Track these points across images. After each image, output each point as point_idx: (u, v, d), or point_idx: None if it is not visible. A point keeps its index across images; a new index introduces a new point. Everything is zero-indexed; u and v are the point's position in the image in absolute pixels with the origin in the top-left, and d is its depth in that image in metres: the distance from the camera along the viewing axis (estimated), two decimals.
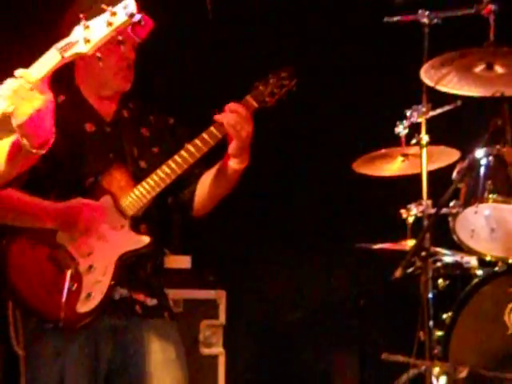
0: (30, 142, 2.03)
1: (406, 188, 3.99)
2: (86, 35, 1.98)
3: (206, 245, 4.43)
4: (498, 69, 3.55)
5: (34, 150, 2.05)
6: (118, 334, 2.62)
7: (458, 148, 3.80)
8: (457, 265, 3.80)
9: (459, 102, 3.68)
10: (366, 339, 4.51)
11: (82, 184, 2.65)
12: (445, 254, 3.82)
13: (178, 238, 4.31)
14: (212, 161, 2.82)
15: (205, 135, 2.65)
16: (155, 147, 2.80)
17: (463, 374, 3.11)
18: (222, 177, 2.76)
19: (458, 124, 4.07)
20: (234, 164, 2.70)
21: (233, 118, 2.60)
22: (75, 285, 2.55)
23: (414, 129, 3.80)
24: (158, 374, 2.60)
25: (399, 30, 3.77)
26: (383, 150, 3.89)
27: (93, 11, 2.48)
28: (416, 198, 3.79)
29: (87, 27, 1.98)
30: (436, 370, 3.25)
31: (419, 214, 3.77)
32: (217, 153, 2.77)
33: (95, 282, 2.58)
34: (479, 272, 3.68)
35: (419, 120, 3.76)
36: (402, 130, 3.85)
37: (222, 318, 4.08)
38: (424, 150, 3.70)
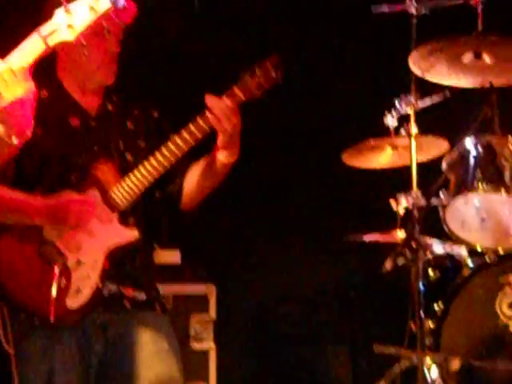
0: (7, 130, 2.00)
1: (395, 179, 3.97)
2: (69, 21, 1.94)
3: (195, 239, 4.40)
4: (487, 58, 3.54)
5: (8, 139, 2.01)
6: (108, 330, 2.60)
7: (448, 138, 3.79)
8: (447, 255, 3.80)
9: (448, 93, 3.66)
10: (356, 331, 4.50)
11: (68, 178, 2.62)
12: (435, 245, 3.81)
13: (167, 232, 4.28)
14: (200, 152, 2.79)
15: (192, 127, 2.62)
16: (141, 140, 2.77)
17: (455, 364, 3.11)
18: (210, 170, 2.73)
19: (447, 114, 4.05)
20: (223, 158, 2.67)
21: (217, 111, 2.56)
22: (64, 280, 2.52)
23: (403, 119, 3.79)
24: (149, 365, 2.57)
25: (387, 20, 3.75)
26: (372, 142, 3.87)
27: None
28: (406, 188, 3.78)
29: (69, 11, 1.94)
30: (427, 361, 3.25)
31: (409, 205, 3.76)
32: (206, 144, 2.74)
33: (84, 277, 2.55)
34: (470, 262, 3.68)
35: (408, 111, 3.75)
36: (390, 120, 3.84)
37: (213, 313, 4.06)
38: (413, 141, 3.69)
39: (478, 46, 3.49)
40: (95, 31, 2.54)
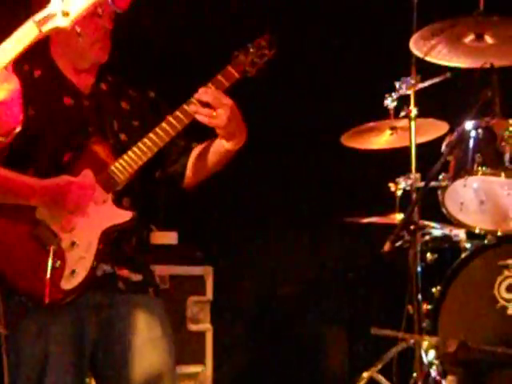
0: None
1: (394, 161, 3.96)
2: (65, 7, 1.88)
3: (192, 220, 4.38)
4: (488, 39, 3.51)
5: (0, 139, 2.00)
6: (101, 312, 2.57)
7: (447, 120, 3.77)
8: (445, 238, 3.79)
9: (449, 74, 3.63)
10: (354, 313, 4.49)
11: (61, 158, 2.59)
12: (433, 228, 3.80)
13: (164, 213, 4.26)
14: (206, 133, 2.75)
15: (185, 106, 2.60)
16: (135, 120, 2.73)
17: (452, 347, 3.10)
18: (215, 154, 2.70)
19: (447, 96, 4.02)
20: (227, 146, 2.65)
21: (204, 110, 2.54)
22: (58, 262, 2.49)
23: (403, 101, 3.76)
24: (143, 352, 2.56)
25: (388, 2, 3.72)
26: (371, 123, 3.85)
27: None
28: (405, 171, 3.76)
29: None
30: (425, 343, 3.24)
31: (408, 188, 3.75)
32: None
33: (79, 259, 2.52)
34: (468, 245, 3.67)
35: (408, 92, 3.73)
36: (390, 102, 3.81)
37: (209, 294, 4.05)
38: (413, 123, 3.67)
39: (479, 27, 3.46)
40: (88, 12, 2.52)
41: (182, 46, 4.29)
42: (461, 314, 3.40)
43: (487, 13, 3.42)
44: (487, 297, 3.40)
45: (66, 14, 1.88)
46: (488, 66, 3.45)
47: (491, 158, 3.42)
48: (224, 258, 4.33)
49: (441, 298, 3.36)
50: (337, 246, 4.60)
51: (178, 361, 3.81)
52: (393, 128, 3.91)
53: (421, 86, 3.69)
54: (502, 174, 3.37)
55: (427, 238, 3.81)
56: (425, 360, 3.30)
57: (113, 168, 2.58)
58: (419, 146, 3.74)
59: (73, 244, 2.52)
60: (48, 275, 2.44)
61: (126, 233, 2.62)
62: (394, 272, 3.98)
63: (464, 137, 3.49)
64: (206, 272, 4.06)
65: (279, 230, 4.53)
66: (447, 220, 3.62)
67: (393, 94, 3.79)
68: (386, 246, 3.21)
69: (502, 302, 3.40)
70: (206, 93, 2.56)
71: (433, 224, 3.78)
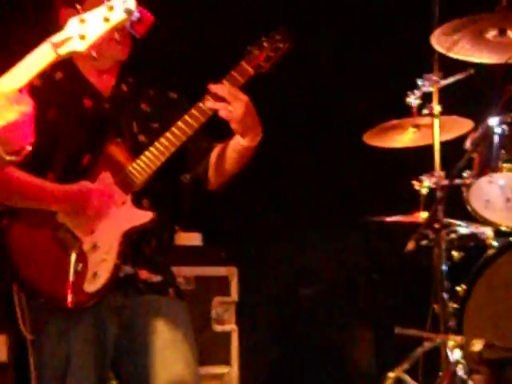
0: (4, 149, 1.96)
1: (418, 159, 3.92)
2: (82, 31, 1.89)
3: (216, 221, 4.38)
4: (511, 34, 3.46)
5: (7, 158, 1.99)
6: (122, 313, 2.58)
7: (471, 118, 3.73)
8: (472, 236, 3.74)
9: (472, 70, 3.60)
10: (380, 313, 4.46)
11: (80, 161, 2.60)
12: (459, 226, 3.76)
13: (188, 215, 4.26)
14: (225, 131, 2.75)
15: (201, 104, 2.60)
16: (155, 122, 2.73)
17: (478, 346, 3.06)
18: (233, 152, 2.69)
19: (471, 93, 3.98)
20: (243, 142, 2.64)
21: (220, 104, 2.54)
22: (80, 264, 2.50)
23: (427, 99, 3.73)
24: (164, 353, 2.55)
25: None
26: (394, 121, 3.82)
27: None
28: (428, 169, 3.73)
29: (82, 21, 1.89)
30: (450, 343, 3.20)
31: (432, 186, 3.71)
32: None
33: (100, 261, 2.53)
34: (494, 243, 3.62)
35: (431, 89, 3.69)
36: (413, 100, 3.78)
37: (234, 295, 4.06)
38: (436, 120, 3.63)
39: (502, 23, 3.42)
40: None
41: (196, 44, 4.29)
42: (487, 312, 3.35)
43: (510, 8, 3.37)
44: None
45: (82, 38, 1.88)
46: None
47: None
48: (248, 258, 4.32)
49: (466, 296, 3.33)
50: (361, 245, 4.57)
51: (203, 361, 3.88)
52: (416, 126, 3.87)
53: (444, 82, 3.65)
54: None
55: (453, 236, 3.76)
56: (451, 359, 3.26)
57: (131, 169, 2.58)
58: (443, 144, 3.70)
59: (94, 246, 2.53)
60: (71, 279, 2.45)
61: (146, 234, 2.63)
62: (419, 271, 3.94)
63: (488, 133, 3.45)
64: (231, 273, 4.06)
65: (303, 230, 4.51)
66: (473, 218, 3.58)
67: (415, 91, 3.76)
68: (410, 245, 3.18)
69: None
70: (221, 88, 2.55)
71: (458, 222, 3.74)
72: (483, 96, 3.66)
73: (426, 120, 3.74)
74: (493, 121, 3.45)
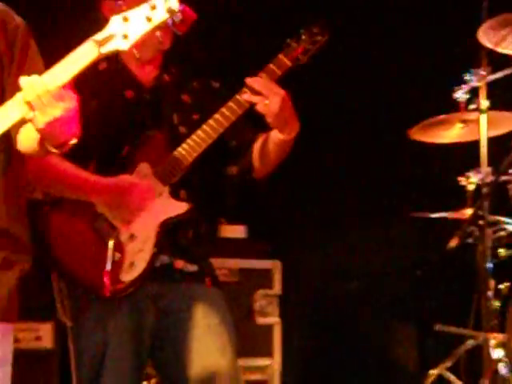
0: (51, 142, 2.02)
1: (466, 155, 3.87)
2: (125, 30, 1.91)
3: (261, 214, 4.39)
4: None
5: (53, 150, 2.05)
6: (159, 302, 2.61)
7: None
8: None
9: None
10: (424, 310, 4.42)
11: (120, 152, 2.64)
12: (508, 223, 3.70)
13: (233, 207, 4.29)
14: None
15: (238, 96, 2.61)
16: (196, 114, 2.75)
17: None
18: (273, 145, 2.70)
19: None
20: (280, 136, 2.64)
21: (257, 97, 2.55)
22: (118, 254, 2.54)
23: (474, 94, 3.68)
24: (201, 339, 2.57)
25: None
26: (441, 116, 3.77)
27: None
28: (477, 165, 3.68)
29: (126, 19, 1.91)
30: (492, 341, 3.16)
31: (479, 182, 3.66)
32: None
33: (137, 251, 2.56)
34: None
35: (478, 84, 3.64)
36: (460, 94, 3.73)
37: (277, 288, 4.07)
38: (483, 116, 3.58)
39: None
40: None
41: (236, 37, 4.30)
42: None
43: None
44: None
45: (125, 37, 1.90)
46: None
47: None
48: (292, 252, 4.32)
49: (509, 294, 3.28)
50: (406, 241, 4.53)
51: (245, 353, 3.93)
52: (463, 121, 3.82)
53: (491, 77, 3.59)
54: None
55: (502, 233, 3.71)
56: (493, 357, 3.22)
57: (169, 160, 2.61)
58: (492, 140, 3.64)
59: (131, 237, 2.57)
60: (108, 268, 2.49)
61: (183, 224, 2.65)
62: (465, 268, 3.89)
63: None
64: (275, 266, 4.07)
65: (348, 225, 4.49)
66: None
67: (463, 86, 3.71)
68: (453, 242, 3.15)
69: None
70: (257, 81, 2.56)
71: (507, 219, 3.68)
72: None
73: (474, 115, 3.69)
74: None
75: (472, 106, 3.63)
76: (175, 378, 2.61)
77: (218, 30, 4.25)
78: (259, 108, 2.56)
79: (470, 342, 3.40)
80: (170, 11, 1.89)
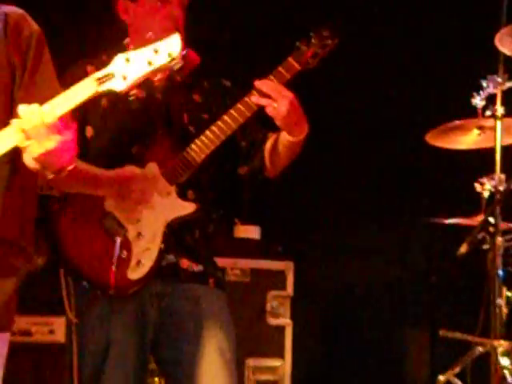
0: (45, 169, 2.05)
1: (484, 161, 3.86)
2: (125, 71, 1.93)
3: (275, 216, 4.41)
4: None
5: (50, 176, 2.07)
6: (163, 300, 2.64)
7: None
8: None
9: None
10: (436, 315, 4.41)
11: (130, 151, 2.67)
12: None
13: (247, 208, 4.31)
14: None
15: (247, 98, 2.63)
16: (206, 113, 2.78)
17: None
18: (282, 146, 2.72)
19: None
20: (289, 137, 2.66)
21: (265, 100, 2.56)
22: (125, 252, 2.57)
23: (492, 100, 3.66)
24: (201, 342, 2.60)
25: None
26: (457, 122, 3.76)
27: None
28: (493, 171, 3.66)
29: (128, 60, 1.93)
30: (500, 348, 3.15)
31: (492, 189, 3.65)
32: None
33: (145, 249, 2.59)
34: None
35: (495, 91, 3.63)
36: (478, 101, 3.72)
37: (290, 289, 4.08)
38: (498, 122, 3.57)
39: None
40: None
41: (245, 38, 4.32)
42: None
43: None
44: None
45: (124, 78, 1.92)
46: None
47: None
48: (305, 254, 4.33)
49: None
50: (420, 246, 4.53)
51: (257, 353, 3.95)
52: (480, 127, 3.80)
53: (508, 84, 3.58)
54: None
55: None
56: (500, 364, 3.21)
57: (177, 160, 2.64)
58: (509, 147, 3.63)
59: (139, 235, 2.60)
60: (114, 265, 2.52)
61: (190, 224, 2.68)
62: (478, 275, 3.88)
63: None
64: (287, 267, 4.08)
65: (362, 228, 4.50)
66: None
67: (481, 92, 3.70)
68: (462, 248, 3.14)
69: None
70: (265, 84, 2.58)
71: None
72: None
73: (491, 122, 3.68)
74: None
75: (488, 113, 3.62)
76: (174, 376, 2.64)
77: (229, 31, 4.28)
78: (268, 111, 2.58)
79: (479, 349, 3.39)
80: (172, 57, 1.91)
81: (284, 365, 4.05)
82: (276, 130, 2.74)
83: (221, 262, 3.70)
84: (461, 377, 3.51)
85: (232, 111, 2.64)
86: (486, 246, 3.54)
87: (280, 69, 2.63)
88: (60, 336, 3.63)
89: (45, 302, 3.39)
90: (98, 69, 1.98)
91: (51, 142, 1.94)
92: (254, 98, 2.60)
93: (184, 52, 1.91)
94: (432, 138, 3.84)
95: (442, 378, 3.50)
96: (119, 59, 1.93)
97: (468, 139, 3.88)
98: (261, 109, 2.63)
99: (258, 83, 2.59)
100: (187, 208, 2.64)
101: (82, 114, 2.59)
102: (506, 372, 3.10)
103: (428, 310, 4.47)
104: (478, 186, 3.79)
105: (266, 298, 4.03)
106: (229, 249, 4.00)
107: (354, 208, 4.49)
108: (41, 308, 3.40)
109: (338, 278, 4.59)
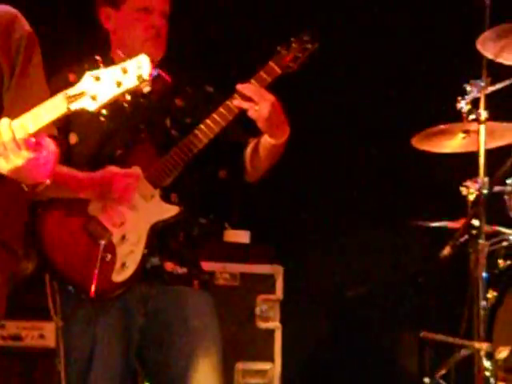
0: (20, 182, 2.04)
1: (470, 165, 3.89)
2: (95, 90, 1.91)
3: (264, 220, 4.44)
4: None
5: (26, 189, 2.07)
6: (148, 303, 2.67)
7: None
8: None
9: None
10: (424, 317, 4.44)
11: (113, 156, 2.70)
12: (506, 234, 3.72)
13: (237, 213, 4.34)
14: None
15: (228, 102, 2.67)
16: (188, 118, 2.82)
17: (503, 354, 3.04)
18: (263, 150, 2.76)
19: None
20: (270, 140, 2.70)
21: (247, 103, 2.61)
22: (109, 255, 2.60)
23: (476, 104, 3.70)
24: (187, 343, 2.63)
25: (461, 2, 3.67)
26: (443, 126, 3.80)
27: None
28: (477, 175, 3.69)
29: (97, 79, 1.91)
30: (482, 350, 3.18)
31: (476, 192, 3.68)
32: None
33: (129, 252, 2.63)
34: None
35: (479, 95, 3.66)
36: (463, 105, 3.76)
37: (279, 293, 4.10)
38: (482, 126, 3.60)
39: None
40: (138, 7, 2.63)
41: (226, 42, 4.36)
42: None
43: None
44: None
45: (94, 98, 1.91)
46: None
47: None
48: (294, 258, 4.36)
49: (496, 303, 3.30)
50: (408, 249, 4.56)
51: (246, 357, 3.98)
52: (465, 131, 3.84)
53: (491, 88, 3.62)
54: None
55: (505, 244, 3.73)
56: (483, 366, 3.24)
57: (160, 164, 2.67)
58: (493, 151, 3.67)
59: (123, 238, 2.63)
60: (97, 269, 2.56)
61: (174, 227, 2.71)
62: (464, 277, 3.92)
63: None
64: (276, 271, 4.11)
65: (350, 232, 4.53)
66: None
67: (466, 96, 3.73)
68: (445, 251, 3.18)
69: None
70: (247, 88, 2.62)
71: (504, 230, 3.70)
72: None
73: (476, 126, 3.71)
74: None
75: (471, 117, 3.66)
76: (160, 379, 2.67)
77: (211, 36, 4.32)
78: (250, 113, 2.62)
79: (464, 351, 3.42)
80: (140, 80, 1.89)
81: (273, 368, 4.08)
82: (257, 135, 2.78)
83: (210, 265, 3.77)
84: (447, 379, 3.55)
85: (214, 115, 2.68)
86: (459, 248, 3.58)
87: (261, 73, 2.67)
88: (50, 341, 3.65)
89: (35, 307, 3.41)
90: (79, 77, 1.98)
91: (19, 159, 1.94)
92: (236, 102, 2.64)
93: (155, 73, 1.93)
94: (418, 142, 3.87)
95: (427, 380, 3.53)
96: (89, 78, 1.91)
97: (453, 143, 3.92)
98: (242, 112, 2.67)
99: (239, 86, 2.64)
100: (170, 211, 2.68)
101: (65, 121, 2.62)
102: (488, 374, 3.12)
103: (417, 312, 4.49)
104: (463, 190, 3.83)
105: (256, 302, 4.06)
106: (218, 253, 4.04)
107: (343, 212, 4.52)
108: (31, 313, 3.43)
109: (326, 282, 4.62)
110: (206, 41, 4.29)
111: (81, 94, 1.91)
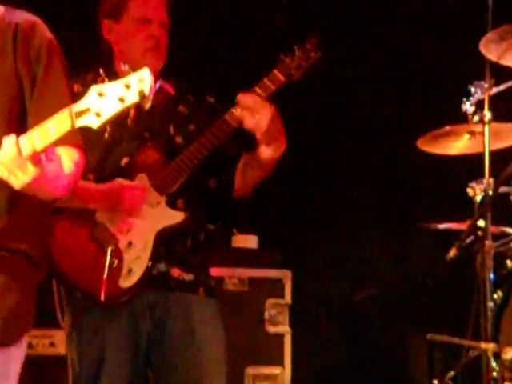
0: (37, 196, 2.05)
1: (477, 166, 3.90)
2: (99, 107, 1.91)
3: (272, 225, 4.46)
4: None
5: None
6: (155, 310, 2.70)
7: None
8: None
9: None
10: (433, 319, 4.44)
11: (119, 164, 2.73)
12: None
13: (245, 218, 4.36)
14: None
15: (234, 110, 2.70)
16: (192, 124, 2.84)
17: (510, 354, 3.03)
18: (256, 164, 2.79)
19: None
20: (265, 155, 2.72)
21: (246, 113, 2.63)
22: (116, 261, 2.63)
23: (481, 106, 3.71)
24: (193, 350, 2.66)
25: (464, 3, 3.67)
26: (448, 127, 3.81)
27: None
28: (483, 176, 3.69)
29: (101, 95, 1.92)
30: (489, 350, 3.18)
31: (482, 193, 3.69)
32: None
33: (135, 258, 2.65)
34: None
35: (483, 96, 3.67)
36: (468, 106, 3.76)
37: (288, 298, 4.11)
38: (487, 127, 3.61)
39: None
40: (137, 18, 2.67)
41: (229, 50, 4.38)
42: None
43: None
44: None
45: (98, 115, 1.92)
46: None
47: None
48: (303, 262, 4.38)
49: (503, 303, 3.30)
50: (416, 251, 4.56)
51: (256, 362, 4.00)
52: (471, 133, 3.85)
53: (495, 90, 3.62)
54: None
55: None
56: (491, 367, 3.24)
57: (165, 172, 2.70)
58: (499, 152, 3.67)
59: (130, 244, 2.66)
60: (105, 275, 2.58)
61: (181, 233, 2.74)
62: (472, 278, 3.92)
63: None
64: (285, 276, 4.12)
65: (358, 236, 4.54)
66: None
67: (470, 98, 3.74)
68: (452, 252, 3.18)
69: None
70: (248, 97, 2.64)
71: (511, 230, 3.70)
72: None
73: (481, 127, 3.71)
74: None
75: (476, 118, 3.67)
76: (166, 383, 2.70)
77: (214, 45, 4.34)
78: (249, 124, 2.63)
79: (473, 353, 3.42)
80: (142, 95, 1.90)
81: (283, 372, 4.09)
82: (250, 149, 2.80)
83: (219, 271, 3.79)
84: (455, 380, 3.55)
85: (220, 122, 2.70)
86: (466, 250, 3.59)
87: (265, 81, 2.70)
88: (61, 348, 3.68)
89: (45, 315, 3.44)
90: (84, 88, 1.99)
91: (25, 176, 1.94)
92: (236, 113, 2.66)
93: (157, 85, 1.94)
94: (423, 144, 3.88)
95: (436, 382, 3.54)
96: (93, 93, 1.92)
97: (459, 144, 3.92)
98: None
99: (240, 96, 2.65)
100: (176, 217, 2.70)
101: None
102: (496, 374, 3.12)
103: (426, 314, 4.49)
104: (470, 191, 3.83)
105: (265, 307, 4.07)
106: (226, 258, 4.06)
107: (350, 215, 4.53)
108: (41, 321, 3.45)
109: (335, 285, 4.63)
110: (206, 50, 4.32)
111: (85, 111, 1.92)
